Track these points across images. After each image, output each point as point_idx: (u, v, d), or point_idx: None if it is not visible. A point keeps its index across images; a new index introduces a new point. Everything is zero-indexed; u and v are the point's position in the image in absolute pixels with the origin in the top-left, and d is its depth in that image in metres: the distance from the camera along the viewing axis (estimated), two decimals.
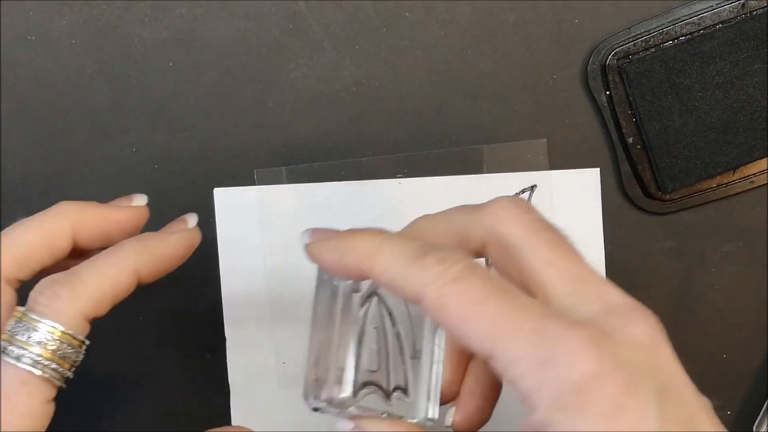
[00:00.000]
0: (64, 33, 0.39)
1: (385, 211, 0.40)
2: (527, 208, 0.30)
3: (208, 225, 0.40)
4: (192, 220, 0.35)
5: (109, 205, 0.34)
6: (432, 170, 0.40)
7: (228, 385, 0.40)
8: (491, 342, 0.26)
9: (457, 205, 0.31)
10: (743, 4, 0.39)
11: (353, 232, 0.30)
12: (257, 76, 0.40)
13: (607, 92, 0.40)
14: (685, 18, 0.39)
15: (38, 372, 0.29)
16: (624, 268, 0.41)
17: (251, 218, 0.40)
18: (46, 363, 0.29)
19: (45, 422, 0.30)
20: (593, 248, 0.40)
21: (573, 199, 0.40)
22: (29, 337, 0.29)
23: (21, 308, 0.30)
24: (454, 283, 0.27)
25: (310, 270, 0.40)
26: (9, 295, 0.31)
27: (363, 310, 0.33)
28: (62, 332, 0.29)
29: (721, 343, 0.42)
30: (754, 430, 0.42)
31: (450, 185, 0.40)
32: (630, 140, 0.40)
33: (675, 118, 0.40)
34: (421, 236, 0.31)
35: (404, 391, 0.34)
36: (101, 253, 0.32)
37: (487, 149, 0.40)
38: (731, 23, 0.39)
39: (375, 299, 0.33)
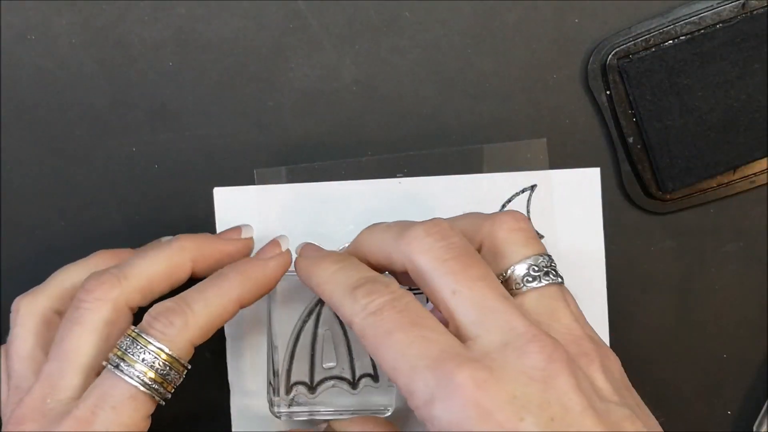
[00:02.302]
0: (64, 33, 0.39)
1: (385, 211, 0.40)
2: (442, 235, 0.31)
3: (208, 225, 0.40)
4: (284, 243, 0.37)
5: (221, 238, 0.37)
6: (432, 170, 0.40)
7: (228, 385, 0.40)
8: (393, 373, 0.29)
9: (398, 222, 0.34)
10: (743, 4, 0.39)
11: (323, 257, 0.34)
12: (257, 76, 0.40)
13: (607, 92, 0.40)
14: (685, 18, 0.39)
15: (145, 390, 0.32)
16: (624, 268, 0.41)
17: (251, 218, 0.40)
18: (153, 383, 0.32)
19: None
20: (593, 248, 0.40)
21: (573, 199, 0.40)
22: (142, 358, 0.32)
23: (135, 329, 0.32)
24: (372, 316, 0.30)
25: None
26: (128, 319, 0.34)
27: (314, 314, 0.37)
28: (171, 357, 0.32)
29: (721, 343, 0.42)
30: (754, 430, 0.42)
31: (450, 185, 0.40)
32: (630, 140, 0.40)
33: (675, 118, 0.40)
34: (360, 251, 0.34)
35: (372, 377, 0.37)
36: (207, 281, 0.34)
37: (487, 149, 0.40)
38: (731, 23, 0.39)
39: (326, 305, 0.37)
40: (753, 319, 0.42)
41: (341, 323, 0.37)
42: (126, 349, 0.32)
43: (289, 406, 0.37)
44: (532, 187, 0.40)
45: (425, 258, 0.31)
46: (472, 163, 0.40)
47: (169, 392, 0.33)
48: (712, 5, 0.39)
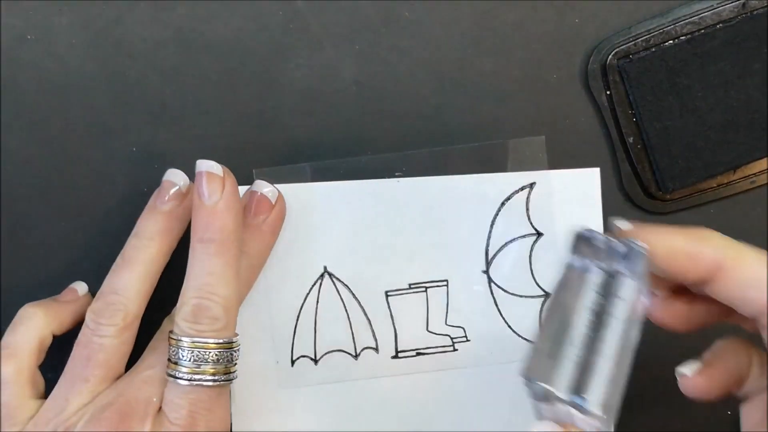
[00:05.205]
0: (64, 33, 0.39)
1: (384, 210, 0.40)
2: None
3: None
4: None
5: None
6: (431, 169, 0.40)
7: None
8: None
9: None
10: (743, 4, 0.39)
11: (696, 232, 0.30)
12: (257, 76, 0.40)
13: (608, 92, 0.40)
14: (685, 18, 0.39)
15: (223, 383, 0.34)
16: None
17: None
18: (222, 373, 0.34)
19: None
20: None
21: (573, 199, 0.40)
22: (206, 360, 0.34)
23: (187, 339, 0.34)
24: None
25: (310, 269, 0.40)
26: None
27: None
28: (226, 344, 0.34)
29: None
30: None
31: (449, 184, 0.40)
32: (630, 140, 0.40)
33: (675, 118, 0.40)
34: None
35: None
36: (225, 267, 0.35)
37: (485, 147, 0.40)
38: (731, 23, 0.39)
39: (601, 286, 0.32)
40: None
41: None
42: (181, 361, 0.34)
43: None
44: (531, 185, 0.40)
45: None
46: (472, 162, 0.40)
47: (234, 371, 0.35)
48: (712, 5, 0.39)
